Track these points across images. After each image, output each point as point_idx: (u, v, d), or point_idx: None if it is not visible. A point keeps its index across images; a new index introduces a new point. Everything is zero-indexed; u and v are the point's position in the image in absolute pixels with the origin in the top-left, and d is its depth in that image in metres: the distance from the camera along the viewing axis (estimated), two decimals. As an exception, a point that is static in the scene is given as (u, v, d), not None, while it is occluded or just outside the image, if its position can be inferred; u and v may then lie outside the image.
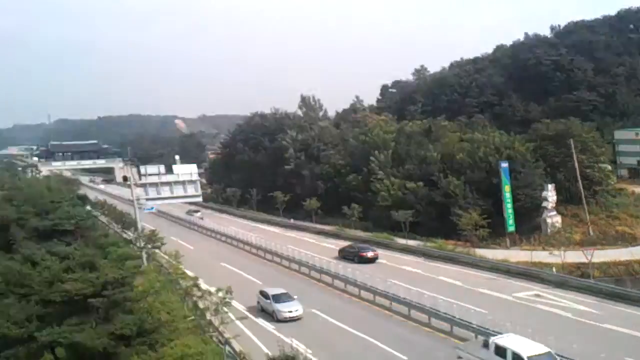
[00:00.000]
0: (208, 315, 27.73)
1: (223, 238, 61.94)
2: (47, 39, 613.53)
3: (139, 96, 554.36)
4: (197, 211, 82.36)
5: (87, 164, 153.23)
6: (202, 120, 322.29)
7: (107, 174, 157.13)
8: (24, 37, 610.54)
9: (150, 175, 54.53)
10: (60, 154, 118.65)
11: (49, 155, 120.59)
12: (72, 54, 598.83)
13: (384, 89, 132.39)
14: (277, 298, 31.87)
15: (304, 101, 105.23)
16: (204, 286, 30.74)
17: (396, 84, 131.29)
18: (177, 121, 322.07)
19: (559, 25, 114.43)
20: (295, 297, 32.43)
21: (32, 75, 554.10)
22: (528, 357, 19.71)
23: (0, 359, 20.14)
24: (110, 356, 20.31)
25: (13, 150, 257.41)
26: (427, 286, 34.57)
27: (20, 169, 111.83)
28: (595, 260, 39.61)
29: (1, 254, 37.66)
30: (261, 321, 31.02)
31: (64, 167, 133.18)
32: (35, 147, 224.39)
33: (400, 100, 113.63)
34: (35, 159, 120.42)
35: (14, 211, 42.65)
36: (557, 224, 56.45)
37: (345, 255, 47.48)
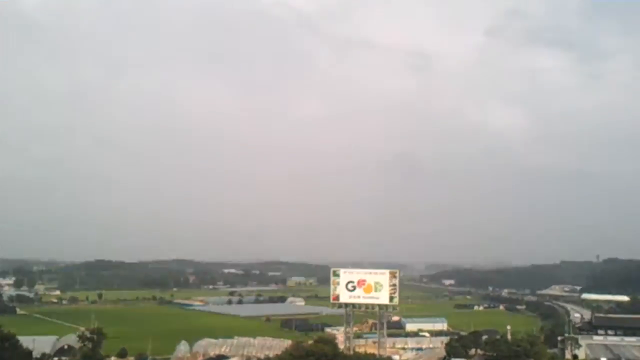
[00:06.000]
0: None
1: None
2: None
3: None
4: None
5: (632, 340, 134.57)
6: None
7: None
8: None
9: None
10: (603, 330, 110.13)
11: (590, 329, 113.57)
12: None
13: None
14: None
15: None
16: None
17: None
18: None
19: None
20: None
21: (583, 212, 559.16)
22: None
23: None
24: None
25: (555, 289, 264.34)
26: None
27: (559, 341, 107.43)
28: None
29: None
30: None
31: (606, 341, 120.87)
32: (579, 288, 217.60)
33: None
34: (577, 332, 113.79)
35: None
36: None
37: None
